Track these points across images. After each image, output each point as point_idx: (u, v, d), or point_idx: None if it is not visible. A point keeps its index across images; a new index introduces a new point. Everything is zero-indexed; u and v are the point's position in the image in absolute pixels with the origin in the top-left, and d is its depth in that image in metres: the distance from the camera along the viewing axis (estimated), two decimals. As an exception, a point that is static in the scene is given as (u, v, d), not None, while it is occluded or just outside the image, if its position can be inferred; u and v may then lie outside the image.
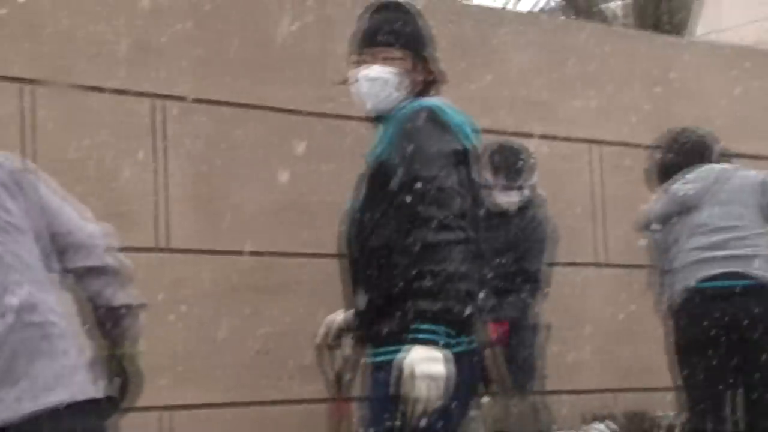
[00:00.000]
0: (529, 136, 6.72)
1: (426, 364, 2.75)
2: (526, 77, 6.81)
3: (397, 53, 3.11)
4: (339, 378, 3.54)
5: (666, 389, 6.79)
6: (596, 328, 6.78)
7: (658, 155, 5.14)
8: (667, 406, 6.61)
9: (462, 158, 2.95)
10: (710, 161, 4.97)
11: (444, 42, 6.77)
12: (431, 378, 2.75)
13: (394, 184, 2.92)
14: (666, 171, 5.03)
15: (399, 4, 3.19)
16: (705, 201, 4.79)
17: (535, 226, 5.43)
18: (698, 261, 4.68)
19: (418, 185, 2.86)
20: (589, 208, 6.91)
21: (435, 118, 2.96)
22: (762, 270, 4.61)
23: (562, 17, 12.04)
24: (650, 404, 6.78)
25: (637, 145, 7.20)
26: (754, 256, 4.65)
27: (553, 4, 14.93)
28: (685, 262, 4.71)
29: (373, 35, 3.12)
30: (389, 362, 2.87)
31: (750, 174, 4.91)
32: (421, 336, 2.78)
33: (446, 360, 2.79)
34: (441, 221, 2.80)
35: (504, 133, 6.30)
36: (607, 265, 6.91)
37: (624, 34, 7.91)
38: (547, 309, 6.54)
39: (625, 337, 6.86)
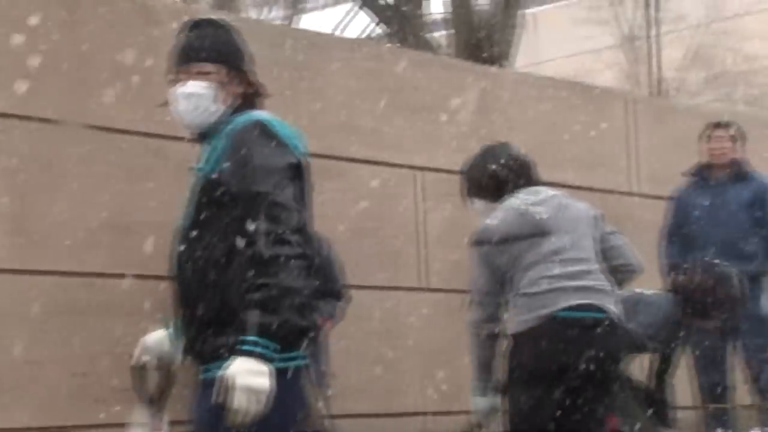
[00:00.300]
0: (354, 161, 6.77)
1: (248, 376, 2.73)
2: (353, 102, 6.86)
3: (209, 67, 3.11)
4: (152, 400, 3.49)
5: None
6: (417, 352, 6.85)
7: (491, 167, 4.85)
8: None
9: (296, 172, 2.94)
10: (537, 182, 4.88)
11: (269, 65, 6.78)
12: (252, 391, 2.73)
13: (227, 199, 2.90)
14: (499, 185, 4.81)
15: (212, 21, 3.18)
16: (555, 228, 4.63)
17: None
18: (555, 290, 4.53)
19: (253, 200, 2.84)
20: (412, 234, 6.99)
21: (267, 131, 2.96)
22: (612, 306, 4.60)
23: (389, 44, 12.17)
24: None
25: (460, 173, 7.33)
26: (605, 291, 4.62)
27: (379, 31, 15.08)
28: (541, 290, 4.53)
29: (187, 52, 3.12)
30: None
31: (581, 205, 4.85)
32: (245, 348, 2.76)
33: (270, 374, 2.76)
34: (276, 236, 2.79)
35: (329, 157, 6.34)
36: (429, 290, 7.00)
37: (448, 63, 8.05)
38: (371, 332, 6.58)
39: (445, 360, 6.94)
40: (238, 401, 2.73)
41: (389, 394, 6.64)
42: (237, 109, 3.11)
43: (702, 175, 7.21)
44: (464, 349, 7.09)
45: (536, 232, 4.61)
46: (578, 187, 8.03)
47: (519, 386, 4.55)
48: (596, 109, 8.37)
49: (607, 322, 4.54)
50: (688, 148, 7.88)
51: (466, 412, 6.92)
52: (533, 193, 4.75)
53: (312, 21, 22.54)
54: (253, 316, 2.76)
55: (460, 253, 7.16)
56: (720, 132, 7.26)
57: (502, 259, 4.60)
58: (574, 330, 4.45)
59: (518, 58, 14.95)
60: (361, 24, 17.02)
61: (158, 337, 3.37)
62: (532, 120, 7.85)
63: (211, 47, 3.12)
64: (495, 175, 4.83)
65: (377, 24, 14.63)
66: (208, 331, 2.89)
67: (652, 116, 8.80)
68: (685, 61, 24.50)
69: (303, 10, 19.88)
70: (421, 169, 7.13)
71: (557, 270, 4.56)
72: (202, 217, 2.95)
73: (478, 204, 4.89)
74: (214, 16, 3.24)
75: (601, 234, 4.80)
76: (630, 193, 8.31)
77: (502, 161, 4.87)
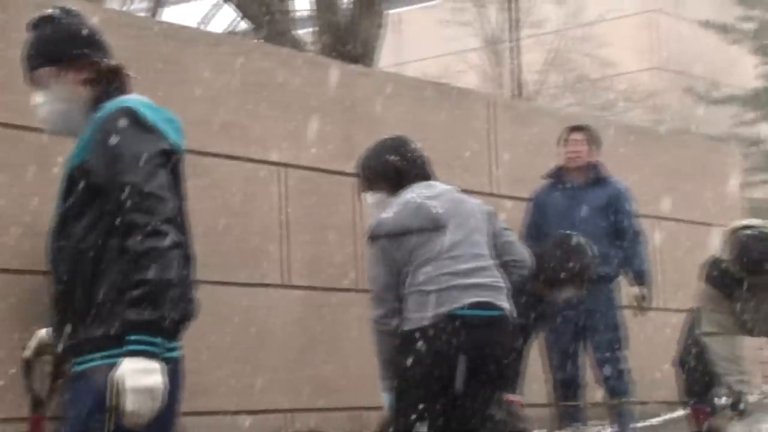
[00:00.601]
0: (217, 156, 6.72)
1: (137, 376, 2.69)
2: (216, 98, 6.82)
3: (42, 72, 3.00)
4: (35, 394, 3.42)
5: (345, 409, 6.94)
6: (279, 349, 6.84)
7: (390, 158, 4.75)
8: (346, 426, 6.75)
9: (168, 158, 2.88)
10: (432, 176, 4.85)
11: (133, 57, 6.68)
12: (143, 390, 2.69)
13: (96, 190, 2.83)
14: (397, 176, 4.69)
15: (45, 18, 3.07)
16: (450, 222, 4.60)
17: None
18: (451, 287, 4.50)
19: (123, 191, 2.77)
20: (276, 231, 6.98)
21: (135, 117, 2.88)
22: (505, 303, 4.62)
23: (254, 40, 12.11)
24: (329, 424, 6.89)
25: (323, 170, 7.35)
26: (500, 287, 4.62)
27: (245, 26, 15.00)
28: (436, 287, 4.49)
29: (23, 63, 3.05)
30: (89, 370, 2.80)
31: (474, 201, 4.84)
32: (131, 347, 2.71)
33: (162, 370, 2.72)
34: (148, 228, 2.73)
35: (192, 152, 6.27)
36: (292, 287, 6.99)
37: (313, 61, 8.05)
38: (232, 329, 6.55)
39: (308, 357, 6.95)
40: (131, 403, 2.68)
41: (251, 391, 6.62)
42: (102, 94, 3.00)
43: (559, 177, 7.34)
44: (327, 346, 7.12)
45: (431, 226, 4.58)
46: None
47: (412, 384, 4.52)
48: (459, 110, 8.47)
49: (501, 319, 4.57)
50: (546, 150, 8.03)
51: (330, 409, 6.96)
52: (428, 187, 4.71)
53: (177, 13, 22.30)
54: (134, 314, 2.71)
55: (323, 250, 7.18)
56: (576, 136, 7.37)
57: (398, 254, 4.54)
58: (471, 328, 4.45)
59: (382, 58, 15.01)
60: (227, 18, 16.92)
61: (46, 332, 3.29)
62: (396, 119, 7.91)
63: (37, 53, 3.02)
64: (393, 167, 4.78)
65: (242, 19, 14.55)
66: (79, 325, 2.83)
67: (513, 118, 8.95)
68: (545, 65, 24.94)
69: (167, 3, 19.64)
70: (285, 165, 7.12)
71: (453, 267, 4.53)
72: (71, 209, 2.87)
73: (374, 198, 4.81)
74: (58, 6, 3.10)
75: (495, 229, 4.80)
76: (490, 194, 8.43)
77: (401, 153, 4.82)
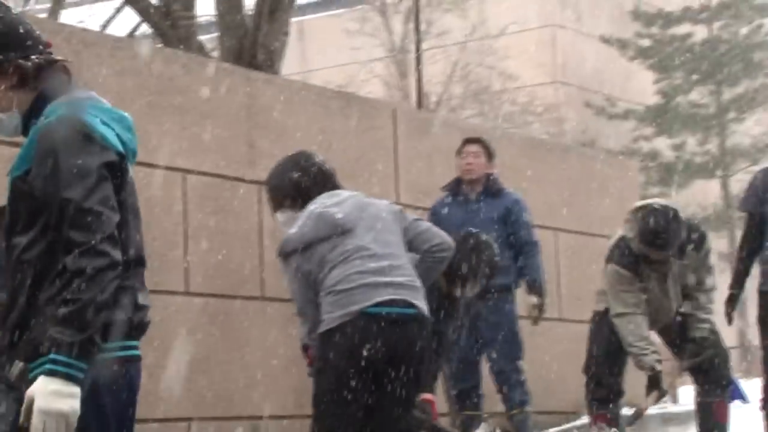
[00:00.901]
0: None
1: (49, 398, 2.56)
2: (118, 102, 6.70)
3: None
4: None
5: (245, 418, 6.89)
6: (180, 356, 6.76)
7: (293, 175, 4.77)
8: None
9: (113, 169, 2.73)
10: (338, 188, 4.86)
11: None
12: (55, 414, 2.57)
13: (36, 204, 2.68)
14: (301, 193, 4.71)
15: None
16: (358, 225, 4.60)
17: None
18: (364, 285, 4.48)
19: (61, 207, 2.62)
20: (179, 237, 6.91)
21: (77, 128, 2.71)
22: (420, 301, 4.62)
23: (157, 45, 12.00)
24: (228, 433, 6.84)
25: (225, 177, 7.30)
26: (414, 286, 4.62)
27: (148, 30, 14.84)
28: (349, 286, 4.47)
29: None
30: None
31: (381, 202, 4.85)
32: (49, 366, 2.57)
33: (77, 395, 2.59)
34: (85, 246, 2.59)
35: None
36: (194, 294, 6.92)
37: (216, 67, 7.98)
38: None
39: (208, 365, 6.89)
40: (35, 425, 2.55)
41: (151, 398, 6.53)
42: (40, 96, 2.83)
43: (456, 189, 7.37)
44: (228, 354, 7.06)
45: (336, 231, 4.58)
46: (343, 196, 8.13)
47: (329, 386, 4.51)
48: (363, 120, 8.47)
49: (416, 318, 4.56)
50: (449, 161, 8.07)
51: (231, 418, 6.89)
52: (331, 197, 4.71)
53: (77, 15, 22.00)
54: (57, 332, 2.58)
55: (224, 257, 7.12)
56: (471, 148, 7.39)
57: (309, 266, 4.54)
58: (385, 326, 4.43)
59: (286, 66, 14.98)
60: (129, 22, 16.74)
61: None
62: (300, 127, 7.88)
63: None
64: (297, 184, 4.80)
65: (144, 22, 14.39)
66: (13, 336, 2.72)
67: (416, 129, 8.98)
68: (448, 77, 25.12)
69: (66, 4, 19.37)
70: (187, 172, 7.06)
71: (364, 266, 4.52)
72: (18, 220, 2.73)
73: (283, 216, 4.82)
74: None
75: (407, 225, 4.80)
76: (396, 203, 8.44)
77: (302, 169, 4.84)
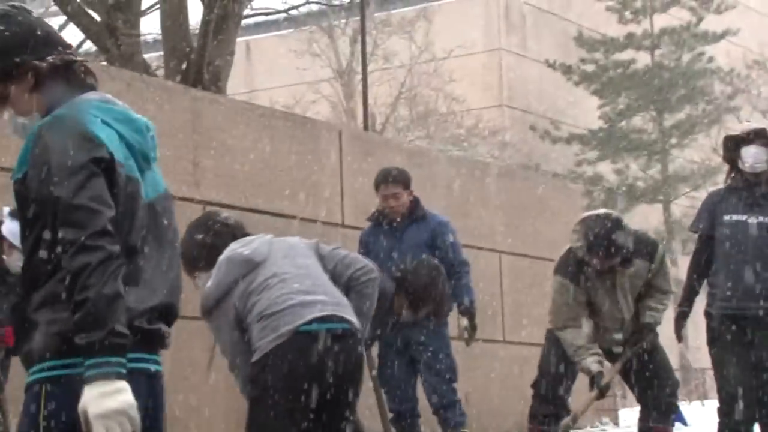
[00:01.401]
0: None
1: (100, 401, 2.53)
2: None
3: None
4: None
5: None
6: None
7: (198, 237, 4.78)
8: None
9: (106, 164, 2.67)
10: (247, 235, 4.90)
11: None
12: (112, 414, 2.53)
13: (33, 210, 2.67)
14: (209, 252, 4.69)
15: None
16: (271, 256, 4.59)
17: None
18: (292, 305, 4.44)
19: (52, 206, 2.60)
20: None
21: (68, 125, 2.68)
22: (351, 316, 4.62)
23: (103, 62, 11.91)
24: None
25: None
26: (343, 303, 4.61)
27: (92, 48, 14.72)
28: (277, 309, 4.43)
29: None
30: (33, 383, 2.66)
31: (292, 238, 4.90)
32: (87, 374, 2.55)
33: (128, 389, 2.56)
34: (77, 244, 2.57)
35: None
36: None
37: (161, 86, 7.94)
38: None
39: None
40: (101, 429, 2.52)
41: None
42: (53, 98, 2.79)
43: (380, 219, 7.24)
44: (171, 374, 7.00)
45: (249, 267, 4.57)
46: (291, 216, 8.10)
47: (270, 410, 4.47)
48: (309, 140, 8.47)
49: (351, 332, 4.56)
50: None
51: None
52: (238, 242, 4.74)
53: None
54: (80, 339, 2.56)
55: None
56: (388, 190, 7.09)
57: (233, 312, 4.53)
58: (322, 342, 4.42)
59: (232, 85, 14.94)
60: (73, 39, 16.61)
61: None
62: (245, 147, 7.86)
63: None
64: (202, 243, 4.79)
65: (88, 40, 14.30)
66: (23, 338, 2.69)
67: (361, 150, 8.99)
68: (394, 99, 25.20)
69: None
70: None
71: (288, 288, 4.48)
72: (25, 223, 2.72)
73: (201, 279, 4.82)
74: None
75: (326, 254, 4.81)
76: (340, 224, 8.44)
77: (206, 228, 4.84)
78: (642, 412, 6.55)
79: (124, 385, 2.57)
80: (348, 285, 4.78)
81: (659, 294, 6.42)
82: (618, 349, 6.51)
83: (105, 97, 2.83)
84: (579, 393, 6.96)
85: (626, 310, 6.36)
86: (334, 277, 4.75)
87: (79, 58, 2.85)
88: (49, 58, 2.79)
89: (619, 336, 6.47)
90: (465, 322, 7.20)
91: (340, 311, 4.53)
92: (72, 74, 2.82)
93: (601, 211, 6.40)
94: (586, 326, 6.31)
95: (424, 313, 6.18)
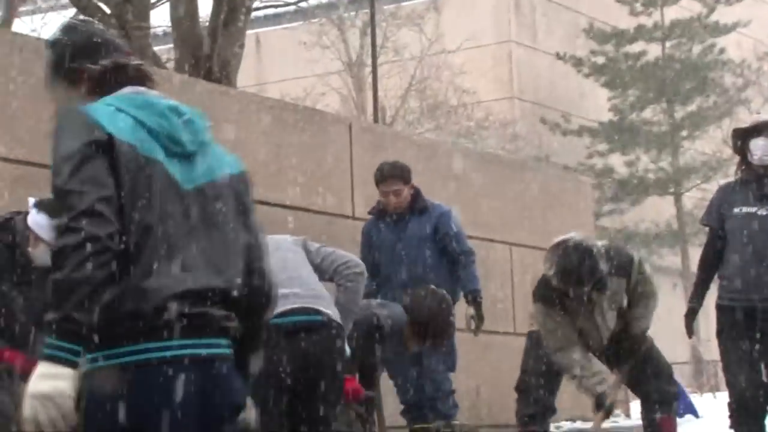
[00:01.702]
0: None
1: (38, 381, 2.54)
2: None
3: (55, 92, 2.94)
4: None
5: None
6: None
7: None
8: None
9: (103, 145, 2.68)
10: None
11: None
12: (40, 396, 2.54)
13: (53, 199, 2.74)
14: None
15: (47, 44, 2.99)
16: None
17: None
18: None
19: (54, 195, 2.65)
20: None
21: (68, 117, 2.75)
22: (327, 308, 4.64)
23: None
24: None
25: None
26: (319, 295, 4.65)
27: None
28: None
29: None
30: None
31: (279, 236, 4.95)
32: (43, 352, 2.57)
33: (66, 376, 2.55)
34: (63, 226, 2.59)
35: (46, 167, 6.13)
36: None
37: (171, 78, 7.94)
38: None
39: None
40: (27, 409, 2.53)
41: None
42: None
43: (383, 212, 7.17)
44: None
45: None
46: (301, 209, 8.10)
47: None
48: (319, 133, 8.46)
49: (324, 325, 4.57)
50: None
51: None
52: None
53: (32, 25, 21.85)
54: (47, 316, 2.58)
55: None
56: (389, 187, 6.99)
57: None
58: (290, 336, 4.44)
59: (242, 77, 14.94)
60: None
61: None
62: (257, 140, 7.86)
63: (49, 69, 2.95)
64: None
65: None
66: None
67: (371, 143, 8.98)
68: (404, 91, 25.17)
69: (20, 13, 19.23)
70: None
71: None
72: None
73: None
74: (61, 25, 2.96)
75: (313, 251, 4.86)
76: (352, 217, 8.43)
77: None
78: (643, 404, 6.55)
79: (65, 371, 2.56)
80: (333, 279, 4.84)
81: (644, 299, 6.38)
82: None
83: (136, 89, 2.87)
84: (565, 392, 6.94)
85: (605, 329, 6.35)
86: (320, 271, 4.80)
87: (134, 62, 2.92)
88: (102, 62, 2.87)
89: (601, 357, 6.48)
90: (471, 311, 7.16)
91: (313, 303, 4.57)
92: (125, 77, 2.89)
93: (571, 238, 6.31)
94: (579, 348, 6.30)
95: (429, 343, 6.15)
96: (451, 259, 7.10)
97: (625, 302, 6.32)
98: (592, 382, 6.24)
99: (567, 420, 9.13)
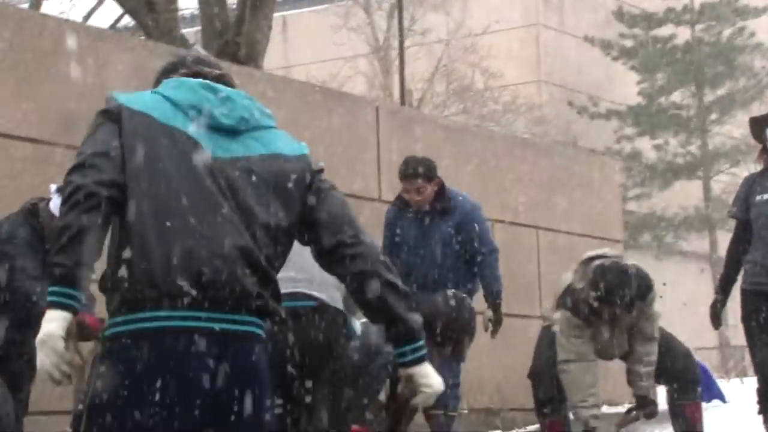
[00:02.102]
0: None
1: (41, 330, 2.63)
2: (99, 94, 6.67)
3: None
4: None
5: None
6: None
7: None
8: None
9: (112, 116, 2.77)
10: None
11: (13, 49, 6.52)
12: (39, 345, 2.62)
13: None
14: None
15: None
16: None
17: None
18: None
19: None
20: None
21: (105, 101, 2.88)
22: (322, 293, 4.64)
23: (141, 37, 11.93)
24: None
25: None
26: (315, 280, 4.66)
27: (130, 22, 14.77)
28: None
29: None
30: None
31: None
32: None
33: (56, 318, 2.62)
34: (66, 182, 2.70)
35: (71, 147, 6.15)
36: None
37: (199, 60, 7.94)
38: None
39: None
40: (37, 358, 2.63)
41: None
42: None
43: (406, 204, 6.91)
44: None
45: None
46: (325, 192, 8.09)
47: None
48: (346, 115, 8.45)
49: (317, 310, 4.58)
50: (431, 157, 8.02)
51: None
52: None
53: (60, 7, 21.90)
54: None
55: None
56: (412, 184, 6.80)
57: None
58: (284, 322, 4.48)
59: (269, 60, 14.93)
60: (113, 14, 16.67)
61: None
62: (282, 122, 7.82)
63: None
64: None
65: (126, 15, 14.33)
66: None
67: (398, 125, 8.96)
68: (430, 74, 25.11)
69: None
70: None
71: None
72: None
73: None
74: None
75: None
76: (379, 200, 8.43)
77: None
78: (668, 392, 6.56)
79: (55, 314, 2.63)
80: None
81: (645, 344, 6.40)
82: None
83: (177, 79, 2.95)
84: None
85: (618, 346, 6.41)
86: None
87: (216, 71, 3.00)
88: (182, 70, 2.98)
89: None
90: (490, 313, 7.07)
91: (305, 288, 4.55)
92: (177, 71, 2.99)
93: (610, 258, 6.31)
94: (590, 362, 6.34)
95: (449, 351, 6.15)
96: (471, 256, 6.97)
97: (630, 326, 6.38)
98: (586, 413, 6.26)
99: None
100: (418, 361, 2.85)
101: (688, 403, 6.50)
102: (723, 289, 6.33)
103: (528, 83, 27.10)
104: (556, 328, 6.47)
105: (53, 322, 2.62)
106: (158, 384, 2.58)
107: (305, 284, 4.59)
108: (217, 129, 2.81)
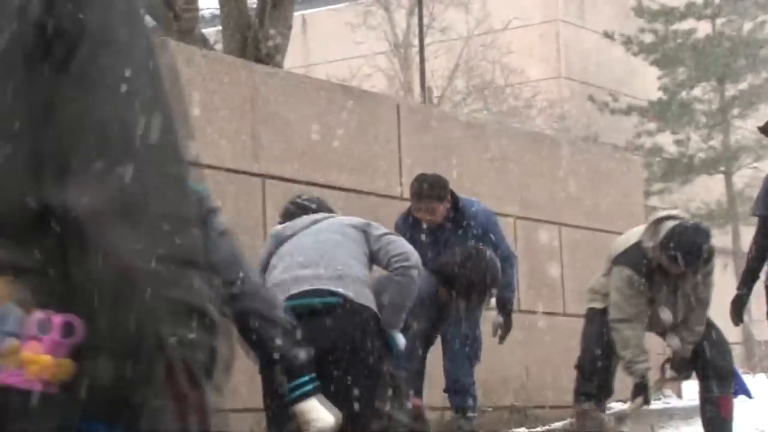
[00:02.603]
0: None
1: None
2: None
3: None
4: None
5: (251, 410, 6.89)
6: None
7: (286, 204, 5.42)
8: None
9: None
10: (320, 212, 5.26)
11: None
12: None
13: None
14: (285, 220, 5.24)
15: None
16: (297, 233, 4.92)
17: None
18: (284, 281, 4.69)
19: None
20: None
21: None
22: (348, 289, 4.67)
23: (161, 37, 11.95)
24: None
25: (229, 170, 7.27)
26: (344, 275, 4.70)
27: (150, 22, 14.77)
28: (274, 283, 4.70)
29: None
30: None
31: (343, 219, 5.13)
32: None
33: None
34: None
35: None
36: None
37: (220, 60, 7.96)
38: None
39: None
40: None
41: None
42: None
43: (416, 221, 6.82)
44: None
45: (277, 243, 4.95)
46: (349, 190, 8.10)
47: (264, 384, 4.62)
48: (366, 113, 8.45)
49: (340, 306, 4.60)
50: (452, 155, 8.04)
51: (238, 411, 6.87)
52: (295, 220, 5.08)
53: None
54: None
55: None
56: (423, 205, 6.75)
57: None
58: (303, 318, 4.49)
59: (289, 59, 14.94)
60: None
61: None
62: (305, 121, 7.86)
63: None
64: (286, 212, 5.29)
65: (146, 14, 14.34)
66: None
67: (419, 123, 8.96)
68: (451, 71, 25.09)
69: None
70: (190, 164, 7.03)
71: (293, 261, 4.75)
72: None
73: None
74: None
75: (372, 237, 4.88)
76: (400, 197, 8.42)
77: (284, 209, 5.38)
78: (702, 384, 6.52)
79: None
80: (387, 269, 4.92)
81: (700, 311, 6.36)
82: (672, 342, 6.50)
83: None
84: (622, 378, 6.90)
85: (681, 312, 6.33)
86: (376, 259, 4.87)
87: None
88: None
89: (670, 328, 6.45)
90: (500, 319, 7.04)
91: (332, 284, 4.61)
92: None
93: (679, 216, 6.30)
94: (641, 327, 6.31)
95: (475, 301, 6.23)
96: None
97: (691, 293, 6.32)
98: (641, 367, 6.22)
99: (617, 401, 9.07)
100: (303, 397, 2.84)
101: (723, 395, 6.48)
102: (745, 284, 6.31)
103: (548, 79, 27.03)
104: (612, 284, 6.36)
105: None
106: None
107: (330, 281, 4.64)
108: None
